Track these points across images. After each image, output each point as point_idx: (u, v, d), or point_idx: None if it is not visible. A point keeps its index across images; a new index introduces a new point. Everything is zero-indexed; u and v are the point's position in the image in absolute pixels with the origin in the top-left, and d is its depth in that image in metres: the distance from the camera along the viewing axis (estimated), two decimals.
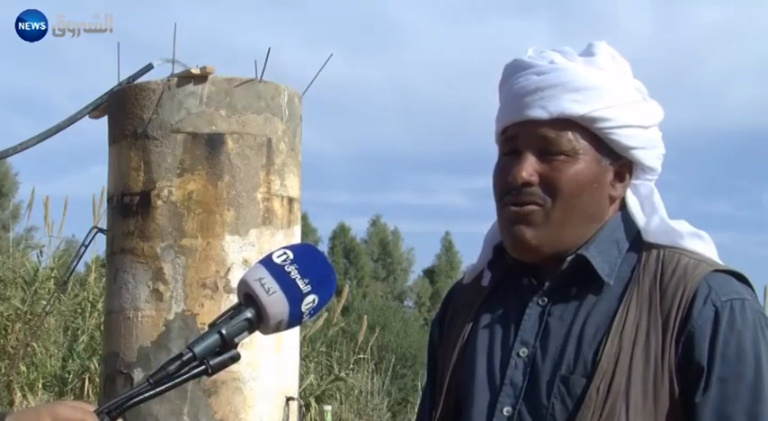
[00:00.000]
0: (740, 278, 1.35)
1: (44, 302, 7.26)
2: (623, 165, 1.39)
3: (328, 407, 7.70)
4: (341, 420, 8.39)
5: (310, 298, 1.20)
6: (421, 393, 1.64)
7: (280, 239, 3.68)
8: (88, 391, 7.25)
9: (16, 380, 7.25)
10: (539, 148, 1.36)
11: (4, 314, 7.48)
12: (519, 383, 1.35)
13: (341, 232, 32.33)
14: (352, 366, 8.74)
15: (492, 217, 1.46)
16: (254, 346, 3.53)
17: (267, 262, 1.21)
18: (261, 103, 3.70)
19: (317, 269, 1.22)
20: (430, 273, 33.80)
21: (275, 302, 1.18)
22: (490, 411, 1.36)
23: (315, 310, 1.21)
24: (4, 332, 7.47)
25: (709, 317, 1.27)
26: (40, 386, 7.33)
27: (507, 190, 1.37)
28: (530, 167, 1.35)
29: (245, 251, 3.60)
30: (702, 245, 1.37)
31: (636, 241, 1.39)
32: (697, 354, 1.27)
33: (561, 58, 1.39)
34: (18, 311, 7.47)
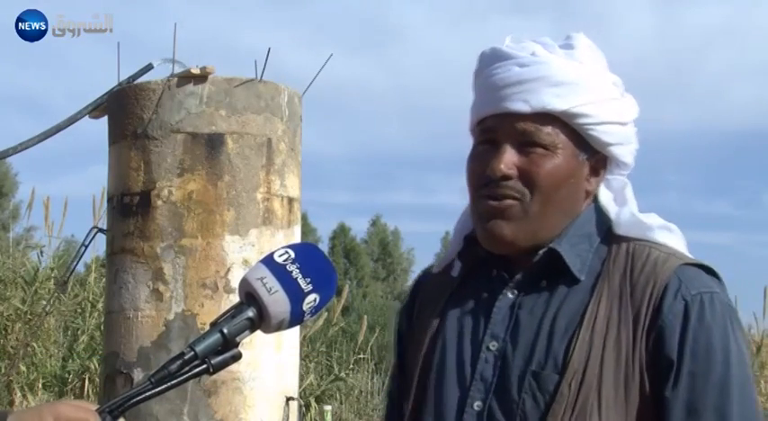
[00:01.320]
0: (709, 271, 1.35)
1: (44, 302, 7.26)
2: (599, 160, 1.40)
3: (328, 407, 7.70)
4: (341, 420, 8.39)
5: (312, 297, 1.20)
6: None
7: (280, 239, 3.68)
8: (88, 391, 7.25)
9: (16, 380, 7.25)
10: (518, 141, 1.35)
11: (4, 314, 7.49)
12: (489, 378, 1.35)
13: (341, 232, 32.31)
14: (352, 366, 8.75)
15: None
16: (254, 346, 3.53)
17: (269, 261, 1.21)
18: (261, 103, 3.70)
19: (319, 268, 1.22)
20: None
21: (277, 301, 1.18)
22: (461, 406, 1.36)
23: (316, 309, 1.22)
24: (4, 332, 7.48)
25: (679, 311, 1.28)
26: (40, 386, 7.33)
27: (484, 182, 1.36)
28: (508, 160, 1.34)
29: (245, 251, 3.60)
30: (672, 237, 1.38)
31: (607, 234, 1.39)
32: (667, 349, 1.27)
33: (542, 50, 1.37)
34: (18, 311, 7.48)
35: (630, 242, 1.36)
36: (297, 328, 4.02)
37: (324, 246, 30.72)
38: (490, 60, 1.40)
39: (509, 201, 1.34)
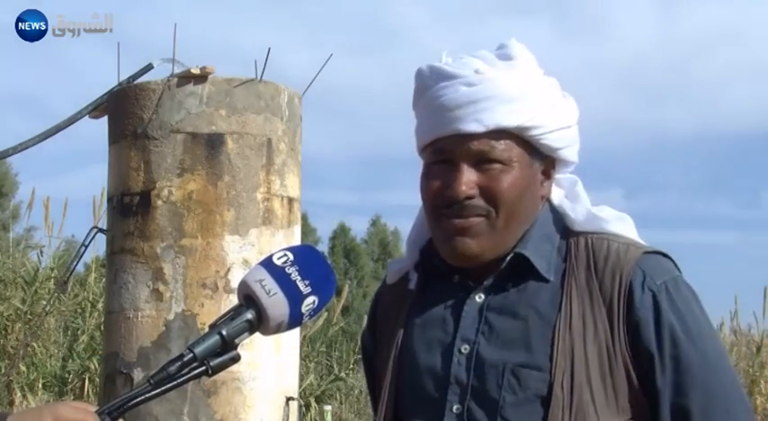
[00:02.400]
0: (665, 256, 1.39)
1: (44, 302, 7.25)
2: (548, 163, 1.43)
3: (328, 407, 7.70)
4: (341, 420, 8.39)
5: (310, 299, 1.20)
6: None
7: (280, 239, 3.68)
8: (88, 391, 7.25)
9: (16, 380, 7.25)
10: (474, 159, 1.36)
11: (4, 314, 7.48)
12: (464, 380, 1.36)
13: (341, 232, 32.28)
14: (352, 366, 8.74)
15: None
16: (254, 346, 3.53)
17: (267, 263, 1.21)
18: (261, 103, 3.70)
19: (318, 270, 1.23)
20: None
21: (276, 304, 1.18)
22: (440, 411, 1.37)
23: (315, 311, 1.22)
24: (4, 332, 7.47)
25: (649, 303, 1.32)
26: (40, 386, 7.32)
27: (447, 203, 1.37)
28: (469, 180, 1.35)
29: (245, 251, 3.60)
30: (625, 226, 1.42)
31: (564, 232, 1.42)
32: (646, 341, 1.32)
33: (485, 66, 1.38)
34: (18, 311, 7.47)
35: (588, 236, 1.40)
36: (297, 329, 4.02)
37: (324, 247, 30.70)
38: (432, 80, 1.40)
39: (475, 219, 1.36)
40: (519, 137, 1.37)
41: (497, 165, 1.36)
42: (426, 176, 1.41)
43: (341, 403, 8.50)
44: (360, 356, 8.98)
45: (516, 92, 1.36)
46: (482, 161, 1.36)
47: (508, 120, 1.35)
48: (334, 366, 8.71)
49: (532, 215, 1.41)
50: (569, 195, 1.45)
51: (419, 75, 1.43)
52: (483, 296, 1.39)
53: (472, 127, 1.34)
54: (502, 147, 1.36)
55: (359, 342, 8.96)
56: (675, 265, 1.39)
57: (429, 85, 1.40)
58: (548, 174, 1.43)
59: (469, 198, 1.35)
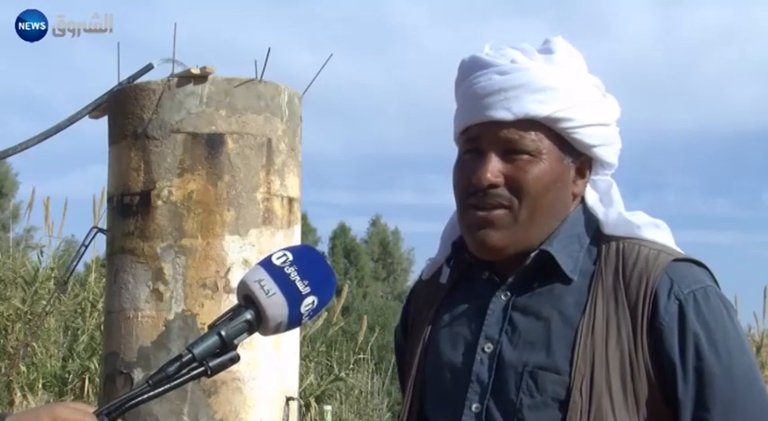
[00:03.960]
0: (699, 264, 1.36)
1: (44, 302, 7.25)
2: (584, 161, 1.40)
3: (328, 407, 7.70)
4: (341, 420, 8.39)
5: (310, 299, 1.20)
6: None
7: (280, 239, 3.68)
8: (88, 391, 7.25)
9: (16, 380, 7.25)
10: (502, 149, 1.35)
11: (4, 314, 7.48)
12: (485, 379, 1.35)
13: (341, 232, 32.29)
14: (352, 366, 8.74)
15: None
16: (254, 346, 3.53)
17: (266, 263, 1.21)
18: (261, 103, 3.70)
19: (317, 270, 1.22)
20: None
21: (275, 304, 1.18)
22: (459, 409, 1.36)
23: (314, 312, 1.22)
24: (4, 332, 7.47)
25: (675, 311, 1.29)
26: (40, 386, 7.32)
27: (471, 191, 1.36)
28: (494, 168, 1.34)
29: (245, 251, 3.60)
30: (659, 233, 1.38)
31: (596, 234, 1.39)
32: (669, 351, 1.28)
33: (522, 57, 1.38)
34: (18, 311, 7.47)
35: (620, 241, 1.37)
36: (297, 329, 4.02)
37: (324, 247, 30.71)
38: (470, 69, 1.41)
39: (497, 211, 1.35)
40: (550, 129, 1.35)
41: (525, 156, 1.34)
42: (456, 167, 1.42)
43: (341, 403, 8.50)
44: (360, 356, 8.99)
45: (548, 83, 1.35)
46: (510, 151, 1.35)
47: (536, 109, 1.34)
48: (334, 366, 8.71)
49: (561, 212, 1.39)
50: (603, 198, 1.42)
51: (461, 65, 1.44)
52: (509, 294, 1.38)
53: (501, 114, 1.34)
54: (531, 138, 1.35)
55: (359, 342, 9.00)
56: (711, 275, 1.35)
57: (467, 74, 1.41)
58: (582, 173, 1.41)
59: (494, 186, 1.34)
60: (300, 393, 5.19)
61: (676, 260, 1.33)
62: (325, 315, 8.70)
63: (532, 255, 1.36)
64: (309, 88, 3.93)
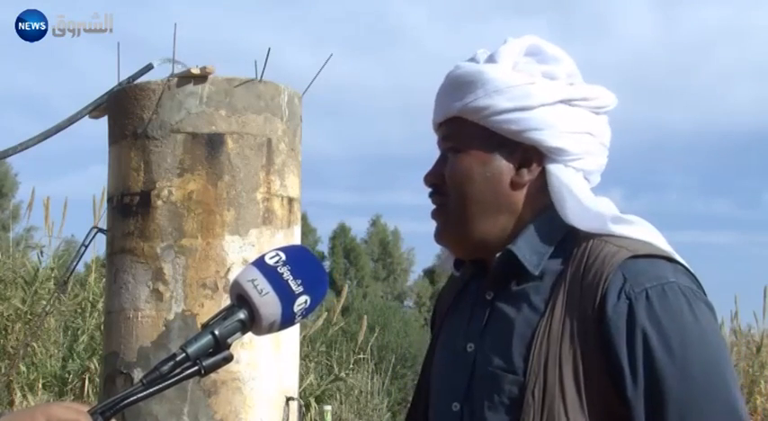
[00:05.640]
0: (671, 260, 1.31)
1: (44, 302, 7.25)
2: (527, 149, 1.37)
3: (328, 407, 7.70)
4: (341, 420, 8.39)
5: (303, 299, 1.20)
6: None
7: (280, 239, 3.68)
8: (88, 391, 7.25)
9: (16, 380, 7.25)
10: (442, 148, 1.43)
11: (4, 314, 7.49)
12: (464, 379, 1.37)
13: (341, 232, 32.29)
14: (352, 366, 8.74)
15: None
16: (253, 346, 3.53)
17: (260, 263, 1.21)
18: (261, 103, 3.70)
19: (310, 270, 1.23)
20: (430, 273, 33.74)
21: (268, 303, 1.18)
22: (445, 407, 1.39)
23: (307, 311, 1.22)
24: (4, 332, 7.48)
25: (623, 311, 1.25)
26: (40, 386, 7.32)
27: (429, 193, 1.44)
28: (435, 170, 1.42)
29: (245, 251, 3.60)
30: (630, 228, 1.34)
31: (571, 233, 1.36)
32: (617, 350, 1.24)
33: (466, 63, 1.44)
34: (18, 311, 7.48)
35: (592, 239, 1.33)
36: (297, 328, 4.02)
37: (324, 246, 30.71)
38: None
39: (438, 210, 1.42)
40: (473, 123, 1.37)
41: (454, 153, 1.40)
42: None
43: (341, 403, 8.50)
44: (360, 356, 8.99)
45: (465, 79, 1.39)
46: (447, 150, 1.41)
47: (453, 106, 1.39)
48: (334, 366, 8.71)
49: (501, 203, 1.37)
50: (562, 189, 1.37)
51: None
52: (492, 294, 1.39)
53: (435, 117, 1.44)
54: (455, 134, 1.40)
55: (359, 342, 9.00)
56: (678, 268, 1.30)
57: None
58: (527, 163, 1.37)
59: (434, 186, 1.41)
60: (300, 393, 5.19)
61: (636, 257, 1.28)
62: (325, 315, 8.70)
63: (497, 255, 1.37)
64: (309, 88, 3.93)
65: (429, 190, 1.42)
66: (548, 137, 1.36)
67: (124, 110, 3.74)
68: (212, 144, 3.62)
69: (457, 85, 1.39)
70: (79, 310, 7.85)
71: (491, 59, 1.41)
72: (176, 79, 3.66)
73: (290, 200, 3.80)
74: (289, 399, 3.72)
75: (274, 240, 3.66)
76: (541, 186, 1.38)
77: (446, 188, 1.39)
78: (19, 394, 7.18)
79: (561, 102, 1.37)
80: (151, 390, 1.13)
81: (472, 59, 1.43)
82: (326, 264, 29.81)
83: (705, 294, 1.32)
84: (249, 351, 3.52)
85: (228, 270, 3.58)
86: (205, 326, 1.17)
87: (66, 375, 7.42)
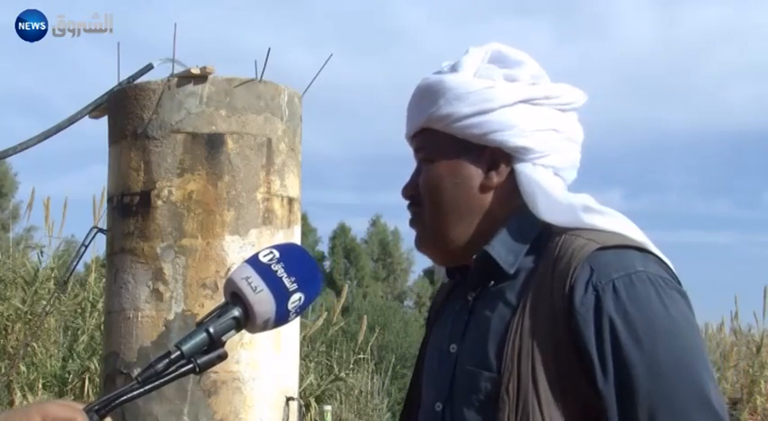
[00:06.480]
0: (641, 250, 1.30)
1: (44, 302, 7.25)
2: (493, 152, 1.39)
3: (328, 407, 7.71)
4: (341, 420, 8.40)
5: (296, 296, 1.21)
6: None
7: (280, 239, 3.68)
8: (88, 391, 7.25)
9: (16, 380, 7.25)
10: (418, 160, 1.46)
11: (4, 314, 7.49)
12: (447, 379, 1.38)
13: (341, 232, 32.27)
14: (352, 366, 8.75)
15: None
16: (254, 346, 3.53)
17: (253, 261, 1.22)
18: (261, 103, 3.70)
19: (304, 267, 1.24)
20: (430, 274, 33.71)
21: (262, 301, 1.18)
22: (431, 406, 1.41)
23: (301, 308, 1.23)
24: (4, 332, 7.48)
25: (591, 303, 1.24)
26: (40, 386, 7.32)
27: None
28: (410, 181, 1.45)
29: (245, 251, 3.60)
30: (602, 218, 1.34)
31: (546, 230, 1.36)
32: (586, 343, 1.23)
33: (430, 75, 1.46)
34: (18, 311, 7.48)
35: (565, 233, 1.33)
36: (297, 328, 4.02)
37: (324, 246, 30.71)
38: None
39: (415, 218, 1.45)
40: (440, 131, 1.40)
41: (426, 164, 1.43)
42: None
43: (341, 403, 8.51)
44: (360, 356, 9.00)
45: (428, 90, 1.41)
46: (420, 161, 1.45)
47: (418, 118, 1.42)
48: (334, 366, 8.71)
49: (473, 207, 1.39)
50: (532, 186, 1.37)
51: None
52: (473, 295, 1.41)
53: (407, 131, 1.47)
54: (424, 145, 1.43)
55: (359, 342, 9.00)
56: (648, 257, 1.29)
57: None
58: (495, 165, 1.38)
59: (411, 197, 1.45)
60: (300, 393, 5.19)
61: (604, 248, 1.28)
62: (325, 315, 8.71)
63: (474, 256, 1.38)
64: (309, 88, 3.94)
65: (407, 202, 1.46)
66: (510, 137, 1.37)
67: (124, 110, 3.74)
68: (212, 144, 3.63)
69: (422, 97, 1.42)
70: (79, 310, 7.85)
71: (453, 69, 1.43)
72: (176, 79, 3.67)
73: (290, 200, 3.80)
74: (289, 399, 3.72)
75: (274, 240, 3.66)
76: (513, 187, 1.39)
77: (421, 198, 1.42)
78: (19, 394, 7.18)
79: (522, 102, 1.38)
80: (146, 388, 1.13)
81: (438, 72, 1.46)
82: (326, 265, 29.81)
83: (679, 283, 1.31)
84: (249, 351, 3.52)
85: (228, 270, 3.58)
86: (199, 324, 1.17)
87: (67, 375, 7.42)
